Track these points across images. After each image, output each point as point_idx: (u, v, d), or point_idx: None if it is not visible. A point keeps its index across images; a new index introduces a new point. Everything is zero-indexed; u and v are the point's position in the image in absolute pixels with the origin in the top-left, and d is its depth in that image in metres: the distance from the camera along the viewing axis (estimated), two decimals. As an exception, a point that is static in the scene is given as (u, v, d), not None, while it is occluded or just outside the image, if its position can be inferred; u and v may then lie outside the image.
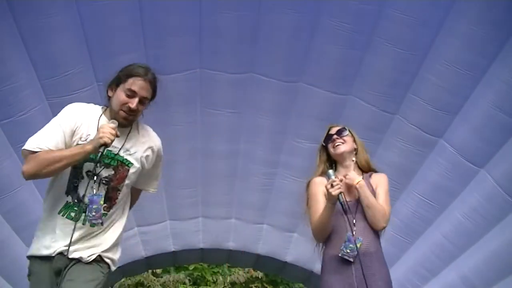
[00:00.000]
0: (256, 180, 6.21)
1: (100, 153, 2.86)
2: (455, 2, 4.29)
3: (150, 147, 3.17)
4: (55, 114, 5.11)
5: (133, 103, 2.95)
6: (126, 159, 3.02)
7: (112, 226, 3.06)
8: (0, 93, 4.52)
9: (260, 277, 13.65)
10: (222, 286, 13.73)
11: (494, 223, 4.85)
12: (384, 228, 3.43)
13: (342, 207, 3.33)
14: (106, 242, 3.02)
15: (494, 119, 4.54)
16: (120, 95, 2.96)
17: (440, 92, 4.76)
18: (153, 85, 3.05)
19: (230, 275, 13.76)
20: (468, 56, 4.49)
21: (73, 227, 2.86)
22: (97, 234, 3.00)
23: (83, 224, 2.93)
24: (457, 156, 4.93)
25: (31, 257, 3.02)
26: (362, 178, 3.50)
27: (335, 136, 3.62)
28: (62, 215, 2.95)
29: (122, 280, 11.03)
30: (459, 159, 4.92)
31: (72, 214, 2.93)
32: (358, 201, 3.44)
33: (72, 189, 2.96)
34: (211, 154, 6.02)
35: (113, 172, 2.98)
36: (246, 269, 13.37)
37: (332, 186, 3.30)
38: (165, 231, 6.79)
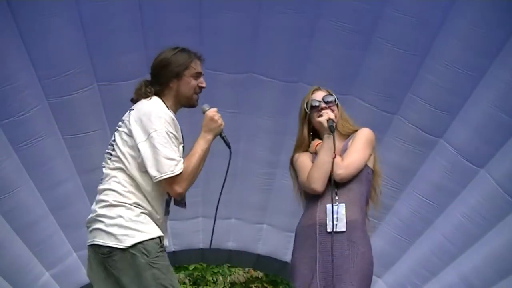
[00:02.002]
0: (256, 180, 6.21)
1: (224, 138, 3.16)
2: (455, 2, 4.29)
3: None
4: (55, 114, 5.15)
5: (203, 82, 3.14)
6: None
7: None
8: (0, 93, 4.52)
9: (260, 277, 13.65)
10: (222, 286, 13.73)
11: (494, 223, 4.85)
12: (340, 177, 3.02)
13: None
14: None
15: (494, 119, 4.54)
16: (190, 81, 3.07)
17: (440, 92, 4.76)
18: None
19: (230, 275, 13.76)
20: (468, 56, 4.49)
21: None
22: None
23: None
24: (457, 156, 4.92)
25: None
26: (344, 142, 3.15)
27: (322, 105, 3.21)
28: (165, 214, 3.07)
29: (122, 280, 11.02)
30: (459, 159, 4.92)
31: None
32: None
33: None
34: (211, 154, 5.96)
35: None
36: (246, 269, 13.37)
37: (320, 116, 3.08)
38: (165, 231, 6.79)
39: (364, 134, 3.15)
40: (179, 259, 7.71)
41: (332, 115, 3.16)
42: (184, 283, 13.62)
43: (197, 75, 3.08)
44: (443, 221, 5.28)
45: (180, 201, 3.10)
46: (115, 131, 3.02)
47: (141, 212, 2.84)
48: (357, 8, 4.58)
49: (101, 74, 4.99)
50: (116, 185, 2.86)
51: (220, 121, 3.07)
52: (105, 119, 5.31)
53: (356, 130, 3.20)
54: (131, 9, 4.63)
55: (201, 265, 13.43)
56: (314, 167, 3.10)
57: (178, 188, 2.93)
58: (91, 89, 5.02)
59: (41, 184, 5.29)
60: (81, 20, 4.53)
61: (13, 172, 4.97)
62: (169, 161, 2.90)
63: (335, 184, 3.05)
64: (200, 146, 3.09)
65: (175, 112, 3.11)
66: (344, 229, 2.98)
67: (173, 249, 7.05)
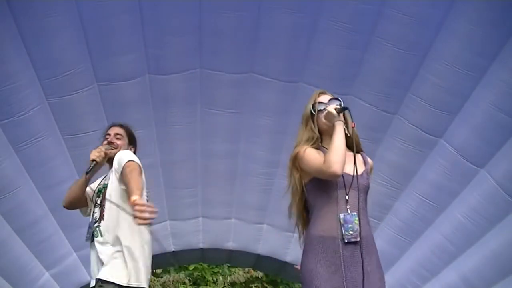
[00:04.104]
0: (256, 180, 6.21)
1: (90, 167, 3.69)
2: (455, 2, 4.29)
3: (118, 159, 3.71)
4: (55, 114, 5.16)
5: (110, 137, 3.90)
6: (104, 183, 3.76)
7: None
8: (0, 93, 4.52)
9: (260, 277, 13.64)
10: (222, 286, 13.72)
11: (494, 223, 4.85)
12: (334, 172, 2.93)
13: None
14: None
15: (494, 119, 4.54)
16: (102, 148, 3.86)
17: (440, 92, 4.76)
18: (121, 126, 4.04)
19: (230, 275, 13.74)
20: (468, 56, 4.49)
21: None
22: None
23: None
24: (457, 156, 4.93)
25: None
26: (354, 157, 3.08)
27: (330, 106, 3.12)
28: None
29: (122, 280, 11.02)
30: (459, 159, 4.92)
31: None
32: (357, 178, 3.02)
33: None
34: (211, 154, 6.03)
35: (101, 197, 3.70)
36: (246, 269, 13.36)
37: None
38: (165, 231, 6.79)
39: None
40: (179, 259, 7.71)
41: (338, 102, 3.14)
42: (184, 283, 13.61)
43: (106, 135, 3.93)
44: (443, 221, 5.28)
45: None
46: None
47: None
48: (357, 8, 4.58)
49: (101, 74, 4.99)
50: None
51: (90, 157, 3.73)
52: (105, 119, 5.31)
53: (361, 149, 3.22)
54: (131, 9, 4.63)
55: (201, 265, 13.42)
56: (330, 152, 2.96)
57: None
58: (91, 89, 5.02)
59: (41, 184, 5.29)
60: (81, 20, 4.54)
61: (13, 172, 4.97)
62: None
63: (346, 193, 3.01)
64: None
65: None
66: (359, 239, 2.95)
67: (173, 249, 7.06)
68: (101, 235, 3.52)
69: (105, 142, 3.85)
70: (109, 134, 3.89)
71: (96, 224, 3.57)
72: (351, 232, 2.95)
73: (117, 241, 3.47)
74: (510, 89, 4.39)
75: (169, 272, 13.53)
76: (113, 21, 4.66)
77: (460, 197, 5.08)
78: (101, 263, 3.47)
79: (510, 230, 4.75)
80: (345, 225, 2.96)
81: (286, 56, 5.07)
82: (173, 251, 7.09)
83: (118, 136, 3.92)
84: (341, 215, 2.97)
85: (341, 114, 3.07)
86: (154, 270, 12.68)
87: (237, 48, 5.03)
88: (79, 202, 3.83)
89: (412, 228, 5.60)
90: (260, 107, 5.52)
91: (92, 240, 3.56)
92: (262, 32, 4.87)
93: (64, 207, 3.86)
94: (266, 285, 13.88)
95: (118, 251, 3.46)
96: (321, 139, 3.17)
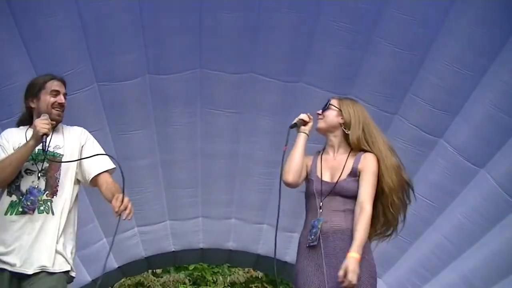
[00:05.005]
0: (256, 180, 6.21)
1: (43, 143, 3.15)
2: (455, 2, 4.29)
3: (79, 140, 3.42)
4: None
5: (61, 99, 3.35)
6: (56, 152, 3.30)
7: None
8: (0, 93, 4.52)
9: (260, 277, 13.64)
10: (222, 286, 13.72)
11: (494, 223, 4.85)
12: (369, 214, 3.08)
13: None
14: None
15: (494, 119, 4.54)
16: (46, 99, 3.32)
17: (440, 92, 4.76)
18: (64, 82, 3.44)
19: (230, 275, 13.75)
20: (468, 56, 4.49)
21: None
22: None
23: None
24: (457, 156, 4.92)
25: None
26: (347, 157, 3.23)
27: (319, 111, 3.36)
28: (10, 214, 3.17)
29: (122, 280, 11.03)
30: (459, 159, 4.91)
31: (20, 209, 3.16)
32: (334, 186, 3.16)
33: (14, 189, 3.20)
34: (211, 154, 6.02)
35: (47, 165, 3.25)
36: (246, 269, 13.36)
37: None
38: (165, 231, 6.79)
39: (373, 169, 3.17)
40: (179, 259, 7.71)
41: (302, 116, 3.35)
42: (184, 283, 13.61)
43: (55, 92, 3.34)
44: (443, 221, 5.28)
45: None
46: None
47: None
48: (357, 8, 4.58)
49: (101, 74, 4.99)
50: None
51: (39, 127, 3.14)
52: (105, 119, 5.31)
53: (363, 149, 3.24)
54: (131, 9, 4.63)
55: (201, 265, 13.43)
56: (285, 161, 3.27)
57: None
58: (91, 89, 5.02)
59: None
60: (81, 20, 4.53)
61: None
62: None
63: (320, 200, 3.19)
64: (18, 150, 3.21)
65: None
66: (316, 243, 3.11)
67: (173, 249, 7.06)
68: (52, 213, 3.18)
69: (55, 101, 3.31)
70: (58, 92, 3.34)
71: (44, 197, 3.18)
72: (312, 237, 3.11)
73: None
74: (510, 89, 4.39)
75: (169, 272, 13.53)
76: (113, 21, 4.66)
77: (460, 197, 5.08)
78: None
79: (510, 230, 4.75)
80: (311, 230, 3.14)
81: (286, 56, 5.07)
82: (173, 251, 7.09)
83: (65, 97, 3.42)
84: (312, 221, 3.18)
85: (304, 126, 3.33)
86: (154, 270, 12.68)
87: (237, 48, 5.03)
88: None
89: (412, 228, 5.58)
90: (260, 107, 5.52)
91: (25, 213, 3.14)
92: (262, 32, 4.87)
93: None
94: (266, 285, 13.88)
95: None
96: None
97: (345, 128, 3.27)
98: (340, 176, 3.18)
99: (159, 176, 6.11)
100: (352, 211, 3.13)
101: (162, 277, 13.44)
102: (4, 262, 3.10)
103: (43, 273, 3.12)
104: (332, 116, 3.30)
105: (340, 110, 3.29)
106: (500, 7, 4.21)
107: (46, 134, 3.15)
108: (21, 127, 3.40)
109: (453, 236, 5.23)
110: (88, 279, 6.55)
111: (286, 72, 5.18)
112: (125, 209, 3.09)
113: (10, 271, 3.09)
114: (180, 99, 5.47)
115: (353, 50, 4.82)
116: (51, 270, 3.13)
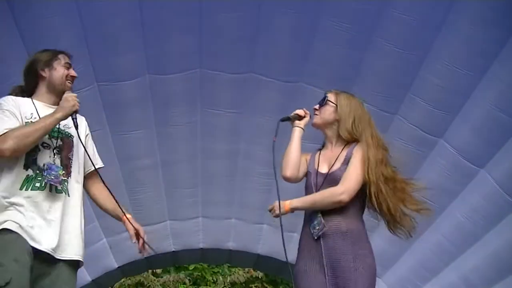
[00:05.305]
0: (256, 180, 6.21)
1: (74, 119, 3.06)
2: (455, 2, 4.29)
3: (85, 129, 3.31)
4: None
5: (74, 72, 3.24)
6: (67, 132, 3.18)
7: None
8: (0, 92, 4.52)
9: (260, 277, 13.64)
10: (222, 286, 13.72)
11: (494, 223, 4.86)
12: (341, 202, 3.10)
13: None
14: None
15: (494, 119, 4.54)
16: (60, 70, 3.19)
17: (440, 92, 4.76)
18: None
19: (230, 275, 13.75)
20: (468, 56, 4.49)
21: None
22: None
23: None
24: (457, 156, 4.93)
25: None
26: (342, 148, 3.26)
27: (316, 106, 3.38)
28: (25, 189, 2.97)
29: (122, 280, 11.03)
30: (459, 159, 4.92)
31: (37, 185, 2.98)
32: (326, 176, 3.20)
33: (31, 162, 3.01)
34: (211, 154, 6.02)
35: (61, 143, 3.13)
36: (246, 269, 13.36)
37: None
38: (165, 231, 6.79)
39: (360, 154, 3.19)
40: (179, 259, 7.72)
41: (298, 111, 3.43)
42: (184, 283, 13.61)
43: (68, 64, 3.23)
44: (443, 221, 5.28)
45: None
46: None
47: None
48: (357, 8, 4.57)
49: (101, 74, 4.99)
50: None
51: (73, 102, 3.05)
52: (105, 119, 5.31)
53: (357, 139, 3.25)
54: (131, 9, 4.62)
55: (201, 265, 13.42)
56: (283, 157, 3.33)
57: (1, 145, 2.91)
58: (91, 89, 5.02)
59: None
60: (81, 20, 4.53)
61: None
62: None
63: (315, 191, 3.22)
64: (44, 119, 3.02)
65: (51, 102, 3.18)
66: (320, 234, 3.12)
67: (173, 249, 7.06)
68: (68, 195, 3.05)
69: (68, 73, 3.19)
70: (70, 65, 3.23)
71: (61, 177, 3.02)
72: (317, 228, 3.12)
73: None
74: (510, 89, 4.39)
75: (169, 272, 13.53)
76: (113, 21, 4.66)
77: (460, 197, 5.08)
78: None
79: (510, 230, 4.75)
80: (311, 223, 3.16)
81: (286, 56, 5.07)
82: (173, 251, 7.09)
83: None
84: (308, 214, 3.22)
85: (299, 120, 3.40)
86: (154, 270, 12.68)
87: (237, 48, 5.03)
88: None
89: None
90: (260, 107, 5.52)
91: (43, 189, 2.97)
92: (262, 32, 4.87)
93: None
94: (266, 285, 13.88)
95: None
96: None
97: (339, 124, 3.30)
98: (333, 166, 3.21)
99: (159, 176, 6.11)
100: (351, 207, 3.15)
101: (162, 277, 13.43)
102: (26, 231, 2.88)
103: (72, 262, 3.02)
104: (328, 112, 3.32)
105: (337, 106, 3.31)
106: (500, 7, 4.21)
107: (77, 112, 3.07)
108: (24, 98, 3.19)
109: (453, 236, 5.23)
110: (88, 279, 6.56)
111: (286, 72, 5.18)
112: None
113: (32, 247, 2.87)
114: (180, 99, 5.47)
115: (353, 50, 4.82)
116: (81, 259, 3.06)
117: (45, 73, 3.18)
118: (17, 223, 2.86)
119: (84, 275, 6.32)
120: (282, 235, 3.23)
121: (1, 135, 2.92)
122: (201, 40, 4.95)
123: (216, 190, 6.43)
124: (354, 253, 3.06)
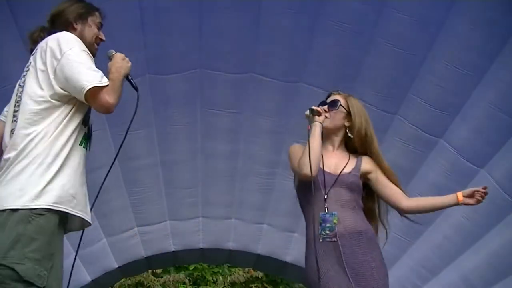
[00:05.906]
0: (256, 180, 6.21)
1: (131, 81, 2.97)
2: (455, 2, 4.29)
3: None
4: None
5: (103, 35, 2.99)
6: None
7: None
8: (0, 92, 4.52)
9: (260, 277, 13.65)
10: (222, 286, 13.72)
11: (494, 223, 4.85)
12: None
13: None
14: None
15: (494, 119, 4.54)
16: (93, 28, 2.94)
17: (440, 92, 4.76)
18: None
19: (230, 275, 13.76)
20: (468, 56, 4.49)
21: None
22: None
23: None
24: (457, 156, 4.93)
25: None
26: (349, 154, 3.26)
27: (325, 107, 3.26)
28: (83, 147, 2.84)
29: (122, 280, 11.04)
30: (459, 159, 4.92)
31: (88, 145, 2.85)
32: (338, 177, 3.14)
33: (87, 120, 2.88)
34: (211, 154, 6.02)
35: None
36: (246, 269, 13.37)
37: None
38: (165, 231, 6.79)
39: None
40: (179, 259, 7.71)
41: (318, 108, 3.23)
42: (184, 283, 13.62)
43: (100, 25, 2.96)
44: (443, 221, 5.28)
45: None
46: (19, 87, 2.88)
47: None
48: (357, 8, 4.58)
49: (101, 74, 4.98)
50: None
51: (129, 64, 2.89)
52: (105, 119, 5.31)
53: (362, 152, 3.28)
54: (131, 9, 4.62)
55: (201, 265, 13.43)
56: (303, 154, 3.12)
57: (110, 99, 2.72)
58: (91, 89, 5.01)
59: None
60: (81, 20, 4.53)
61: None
62: (95, 72, 2.66)
63: (325, 192, 3.13)
64: (118, 75, 2.79)
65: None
66: (335, 240, 3.03)
67: (173, 249, 7.06)
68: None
69: (99, 35, 2.97)
70: (102, 26, 3.02)
71: None
72: (327, 232, 3.01)
73: None
74: (510, 89, 4.39)
75: (169, 272, 13.53)
76: (113, 21, 4.64)
77: (460, 197, 5.07)
78: None
79: (510, 230, 4.75)
80: (323, 225, 3.03)
81: (286, 56, 5.07)
82: (173, 251, 7.09)
83: None
84: (321, 214, 3.06)
85: (318, 116, 3.18)
86: (154, 270, 12.68)
87: (237, 48, 5.03)
88: None
89: (412, 228, 5.58)
90: (260, 107, 5.52)
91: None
92: (262, 32, 4.87)
93: None
94: (266, 285, 13.89)
95: None
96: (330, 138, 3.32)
97: (348, 131, 3.29)
98: (344, 169, 3.19)
99: (159, 176, 6.11)
100: (361, 210, 3.17)
101: (162, 277, 13.44)
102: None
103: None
104: (339, 118, 3.27)
105: (349, 113, 3.29)
106: (500, 7, 4.21)
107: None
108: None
109: (453, 236, 5.23)
110: (88, 279, 6.55)
111: (286, 72, 5.18)
112: None
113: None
114: (180, 99, 5.47)
115: (353, 50, 4.82)
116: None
117: (78, 26, 2.88)
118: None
119: (84, 275, 6.32)
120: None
121: (107, 85, 2.68)
122: (201, 40, 4.95)
123: (216, 190, 6.43)
124: (371, 253, 3.06)
